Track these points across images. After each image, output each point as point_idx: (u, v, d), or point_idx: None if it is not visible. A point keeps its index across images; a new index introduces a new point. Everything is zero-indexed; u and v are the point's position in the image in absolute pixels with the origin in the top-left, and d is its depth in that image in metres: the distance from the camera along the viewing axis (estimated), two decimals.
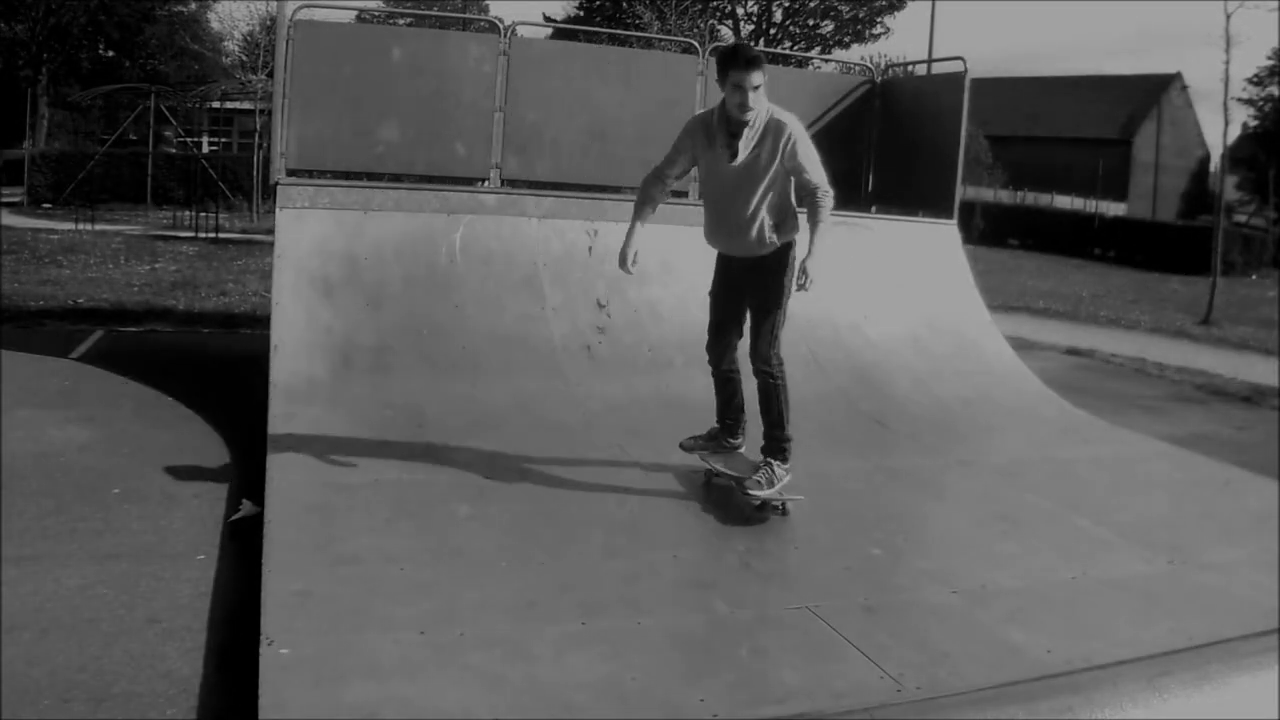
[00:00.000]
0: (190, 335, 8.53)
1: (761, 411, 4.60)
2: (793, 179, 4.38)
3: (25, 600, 3.49)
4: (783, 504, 4.55)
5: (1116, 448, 6.32)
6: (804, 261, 4.20)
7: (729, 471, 4.70)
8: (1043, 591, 3.99)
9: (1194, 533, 4.78)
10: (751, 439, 4.80)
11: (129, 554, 3.98)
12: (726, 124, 4.35)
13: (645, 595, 3.74)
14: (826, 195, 4.29)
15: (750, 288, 4.57)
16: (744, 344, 4.69)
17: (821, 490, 5.05)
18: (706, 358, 4.81)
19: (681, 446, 4.87)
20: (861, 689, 3.11)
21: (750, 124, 4.28)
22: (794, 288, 4.32)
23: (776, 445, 4.57)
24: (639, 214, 4.70)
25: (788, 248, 4.52)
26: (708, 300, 4.81)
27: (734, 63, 4.21)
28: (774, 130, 4.30)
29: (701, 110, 4.55)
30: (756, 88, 4.20)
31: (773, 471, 4.52)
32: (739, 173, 4.37)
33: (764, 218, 4.43)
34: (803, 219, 4.48)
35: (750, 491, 4.46)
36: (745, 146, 4.31)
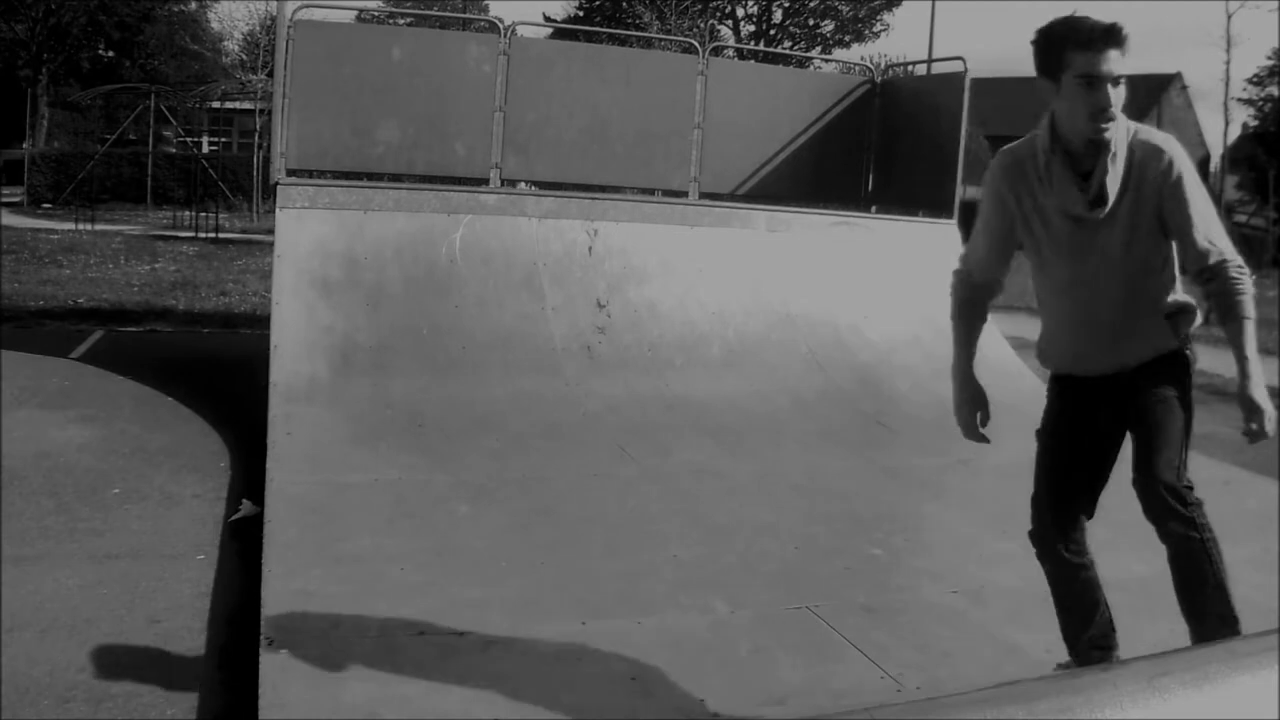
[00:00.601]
0: (190, 335, 8.54)
1: (1183, 592, 2.87)
2: (1174, 239, 2.69)
3: (25, 600, 3.49)
4: None
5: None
6: (1243, 391, 2.58)
7: None
8: (1043, 591, 3.97)
9: None
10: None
11: (129, 554, 3.98)
12: (1066, 156, 2.69)
13: (645, 595, 3.74)
14: (1242, 271, 2.62)
15: (1132, 413, 2.92)
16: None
17: (821, 490, 5.05)
18: (1033, 545, 3.07)
19: None
20: (861, 689, 3.11)
21: (1110, 148, 2.64)
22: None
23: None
24: (966, 340, 3.22)
25: (1187, 342, 2.82)
26: (1038, 437, 3.14)
27: (1078, 39, 2.57)
28: (1146, 157, 2.69)
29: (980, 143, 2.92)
30: (1119, 79, 2.63)
31: None
32: (1102, 236, 2.68)
33: (1148, 305, 2.75)
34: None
35: None
36: (1111, 185, 2.65)
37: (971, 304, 3.10)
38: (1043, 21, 2.64)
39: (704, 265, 6.95)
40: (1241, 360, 2.56)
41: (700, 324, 6.68)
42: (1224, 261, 2.60)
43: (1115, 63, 2.60)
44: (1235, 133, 39.78)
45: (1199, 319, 2.72)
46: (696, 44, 8.42)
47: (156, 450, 5.26)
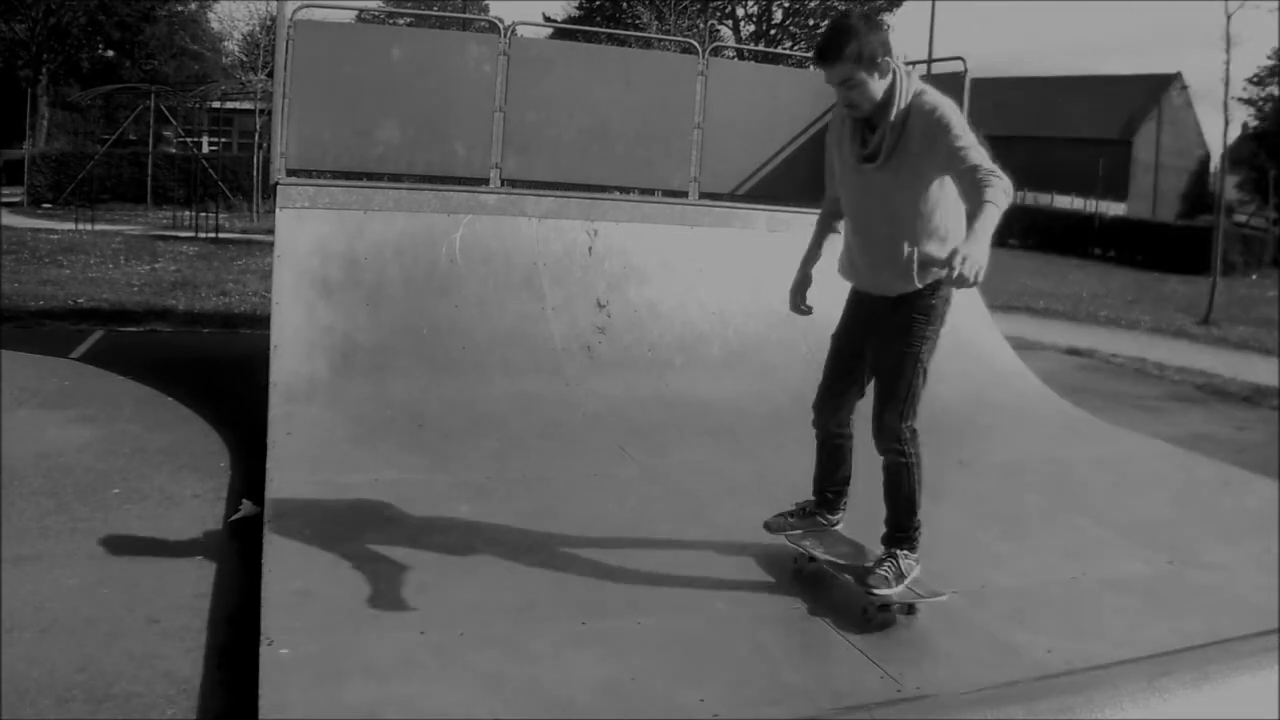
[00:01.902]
0: (190, 335, 8.54)
1: (886, 495, 3.67)
2: (950, 168, 3.29)
3: (25, 600, 3.49)
4: (913, 604, 3.58)
5: (1116, 448, 6.32)
6: (960, 245, 3.02)
7: (830, 558, 3.82)
8: (1043, 591, 3.99)
9: (1194, 533, 4.78)
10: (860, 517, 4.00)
11: (129, 554, 3.98)
12: (856, 121, 3.48)
13: (645, 595, 3.74)
14: (994, 174, 3.16)
15: (881, 337, 3.59)
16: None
17: None
18: (813, 414, 3.89)
19: (766, 527, 3.99)
20: (861, 689, 3.11)
21: (886, 116, 3.35)
22: (937, 339, 3.50)
23: (904, 534, 3.65)
24: (814, 241, 3.93)
25: (934, 289, 3.47)
26: (831, 339, 3.88)
27: (814, 58, 3.45)
28: (915, 115, 3.34)
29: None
30: (844, 82, 3.32)
31: (898, 564, 3.57)
32: (878, 181, 3.42)
33: (909, 244, 3.42)
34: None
35: (875, 590, 3.47)
36: (882, 143, 3.36)
37: (826, 216, 3.89)
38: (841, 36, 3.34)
39: (704, 265, 6.95)
40: (971, 228, 3.05)
41: (700, 324, 6.68)
42: (978, 167, 3.17)
43: (835, 74, 3.30)
44: (1235, 133, 39.74)
45: (947, 271, 3.02)
46: (696, 44, 8.41)
47: (156, 450, 5.26)
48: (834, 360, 3.82)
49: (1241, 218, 39.08)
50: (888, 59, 3.31)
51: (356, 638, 3.21)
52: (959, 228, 3.32)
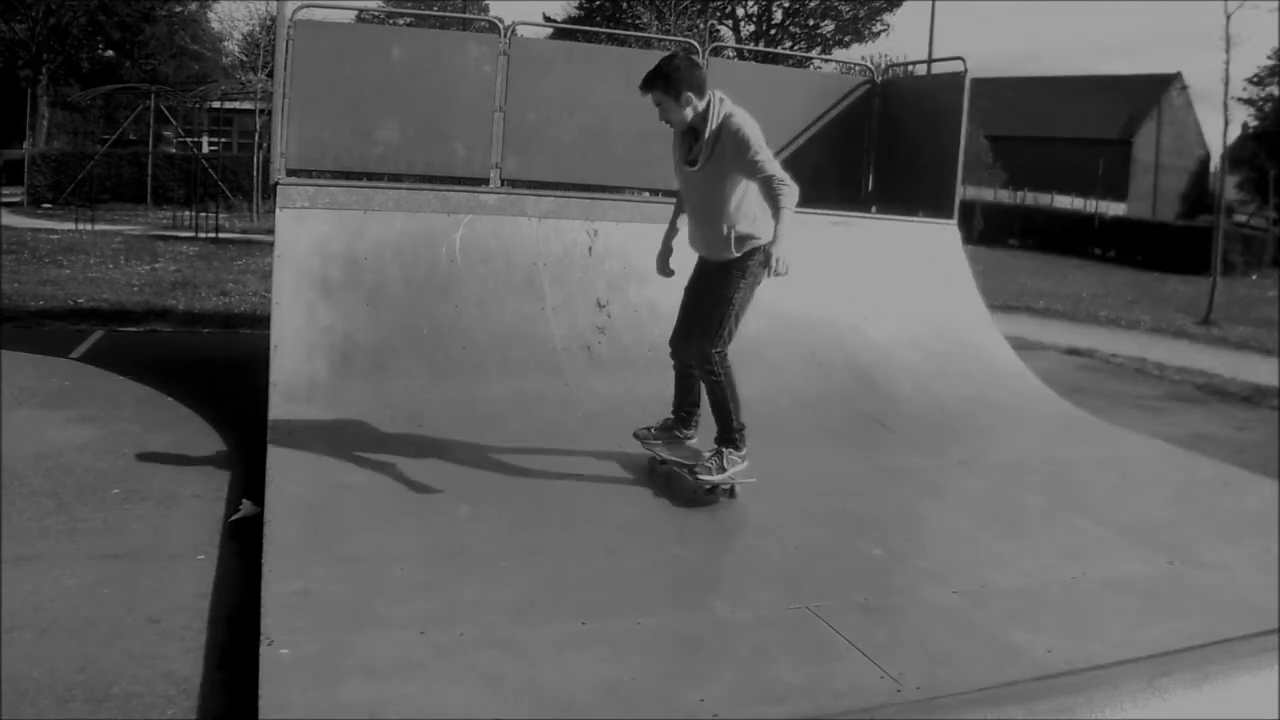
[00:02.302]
0: (190, 335, 8.53)
1: (712, 408, 4.70)
2: (749, 176, 4.38)
3: (25, 600, 3.49)
4: (732, 487, 4.68)
5: (1116, 448, 6.32)
6: (770, 248, 4.23)
7: (675, 459, 4.83)
8: (1043, 591, 3.99)
9: (1194, 533, 4.78)
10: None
11: (129, 554, 3.98)
12: (688, 130, 4.52)
13: (645, 595, 3.74)
14: (784, 184, 4.25)
15: (710, 289, 4.63)
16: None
17: (821, 490, 5.05)
18: (670, 349, 4.96)
19: (635, 435, 4.97)
20: (861, 689, 3.11)
21: (707, 129, 4.39)
22: (750, 291, 4.53)
23: (728, 436, 4.67)
24: (671, 221, 4.91)
25: (749, 255, 4.53)
26: (684, 292, 4.93)
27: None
28: (723, 130, 4.37)
29: None
30: (657, 105, 4.42)
31: (723, 458, 4.62)
32: (698, 180, 4.52)
33: (727, 225, 4.51)
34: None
35: (700, 476, 4.60)
36: (700, 152, 4.44)
37: (679, 201, 4.85)
38: (671, 65, 4.45)
39: None
40: (776, 232, 4.21)
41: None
42: (772, 177, 4.26)
43: (654, 98, 4.40)
44: (1235, 133, 39.76)
45: (761, 242, 4.44)
46: (696, 44, 8.41)
47: (156, 450, 5.26)
48: (684, 309, 4.82)
49: (1241, 218, 39.08)
50: (690, 94, 4.34)
51: (356, 638, 3.21)
52: (762, 211, 4.40)
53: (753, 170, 4.30)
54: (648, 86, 4.37)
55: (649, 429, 4.98)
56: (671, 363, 4.94)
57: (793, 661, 3.27)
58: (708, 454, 4.69)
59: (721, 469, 4.61)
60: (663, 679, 3.11)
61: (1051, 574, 4.16)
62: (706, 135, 4.37)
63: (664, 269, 4.88)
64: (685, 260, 4.85)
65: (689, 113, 4.39)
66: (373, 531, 4.04)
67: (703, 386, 4.78)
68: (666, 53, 4.73)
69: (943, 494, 5.39)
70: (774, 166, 4.28)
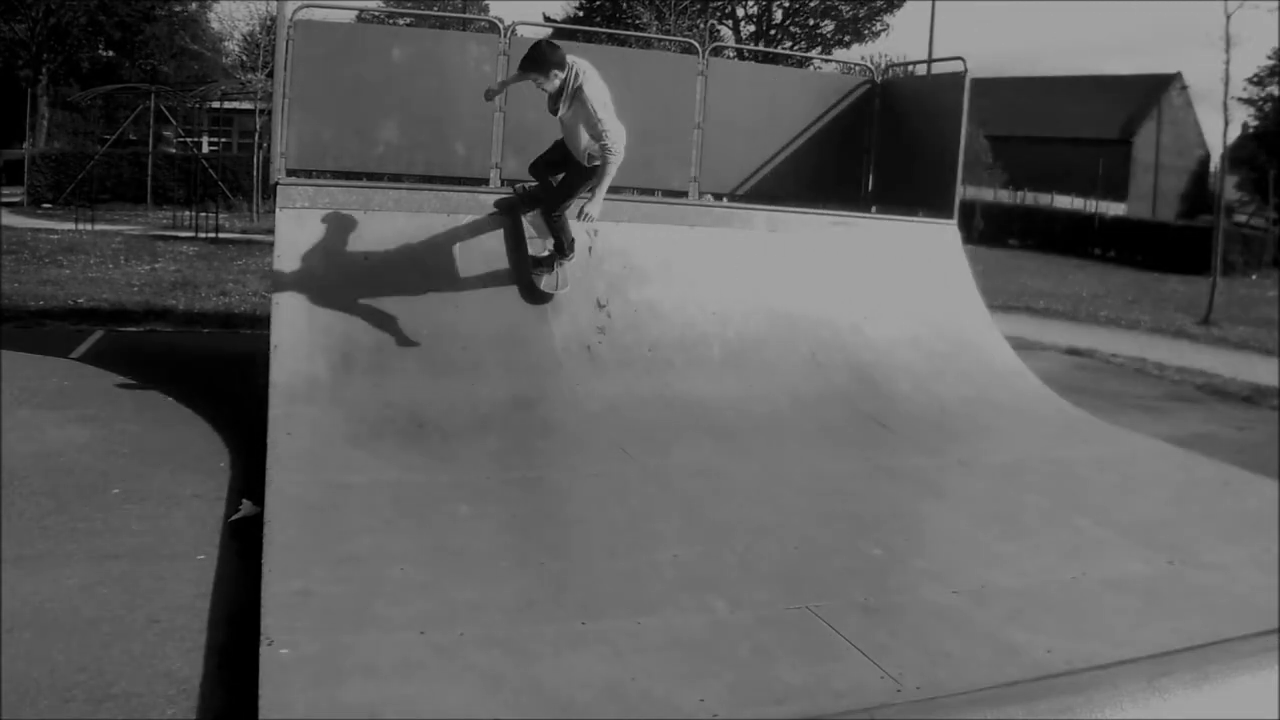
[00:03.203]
0: (190, 335, 8.53)
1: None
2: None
3: (25, 600, 3.49)
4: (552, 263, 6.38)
5: (1116, 448, 6.32)
6: (585, 203, 5.72)
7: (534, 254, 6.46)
8: (1043, 591, 3.99)
9: (1194, 533, 4.78)
10: None
11: (129, 554, 3.98)
12: (557, 92, 5.77)
13: (645, 595, 3.74)
14: (607, 149, 5.58)
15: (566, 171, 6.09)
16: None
17: (821, 490, 5.05)
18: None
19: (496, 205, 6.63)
20: (861, 689, 3.11)
21: (565, 91, 5.65)
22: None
23: (559, 249, 6.36)
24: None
25: (594, 169, 5.79)
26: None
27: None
28: (576, 92, 5.59)
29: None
30: (534, 81, 5.65)
31: (554, 254, 6.37)
32: (563, 122, 5.82)
33: (580, 151, 5.84)
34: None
35: (536, 272, 6.42)
36: (560, 106, 5.72)
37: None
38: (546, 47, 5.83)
39: (704, 265, 6.95)
40: (595, 189, 5.72)
41: (700, 324, 6.68)
42: (603, 142, 5.57)
43: (528, 76, 5.69)
44: (1235, 133, 39.76)
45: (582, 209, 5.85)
46: (696, 44, 8.41)
47: (156, 450, 5.26)
48: (544, 163, 6.21)
49: (1241, 218, 39.07)
50: (556, 71, 5.54)
51: (356, 638, 3.21)
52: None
53: (590, 130, 5.61)
54: (524, 69, 5.68)
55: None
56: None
57: (793, 661, 3.27)
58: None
59: (550, 261, 6.38)
60: (663, 679, 3.11)
61: (1051, 574, 4.16)
62: (563, 98, 5.63)
63: (490, 91, 6.25)
64: None
65: (556, 83, 5.60)
66: (373, 531, 4.04)
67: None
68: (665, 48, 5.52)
69: (943, 494, 5.39)
70: (607, 130, 5.57)
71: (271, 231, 6.51)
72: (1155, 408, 8.40)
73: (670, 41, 13.06)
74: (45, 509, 4.35)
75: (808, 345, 6.79)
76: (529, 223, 6.53)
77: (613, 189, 7.94)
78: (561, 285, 6.38)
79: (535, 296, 6.37)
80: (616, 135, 5.57)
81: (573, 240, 6.27)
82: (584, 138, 5.74)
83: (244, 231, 17.64)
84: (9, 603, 3.44)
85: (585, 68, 5.60)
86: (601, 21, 29.90)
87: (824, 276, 7.18)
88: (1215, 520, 5.05)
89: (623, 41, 18.09)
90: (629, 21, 26.79)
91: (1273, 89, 43.23)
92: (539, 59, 5.60)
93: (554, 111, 5.79)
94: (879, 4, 34.40)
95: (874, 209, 8.42)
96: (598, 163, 5.74)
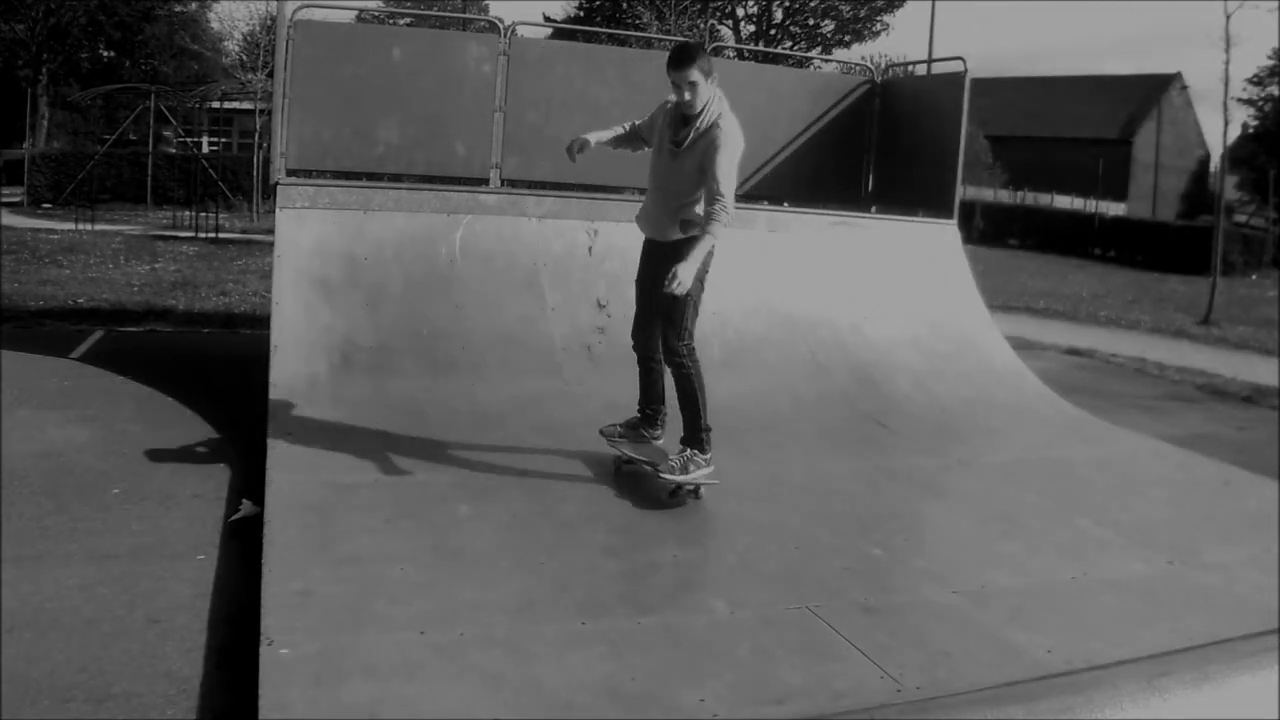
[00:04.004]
0: (190, 335, 8.53)
1: (680, 402, 4.69)
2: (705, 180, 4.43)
3: (25, 600, 3.49)
4: (697, 487, 4.62)
5: (1116, 448, 6.32)
6: (676, 267, 4.25)
7: (640, 458, 4.79)
8: (1043, 591, 3.99)
9: (1194, 533, 4.78)
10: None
11: (129, 554, 3.98)
12: (679, 113, 4.58)
13: (645, 595, 3.74)
14: (724, 210, 4.32)
15: (660, 274, 4.44)
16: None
17: (821, 490, 5.05)
18: (634, 349, 4.94)
19: (601, 433, 4.97)
20: (861, 689, 3.11)
21: (696, 118, 4.47)
22: (702, 280, 4.53)
23: (694, 435, 4.64)
24: (614, 133, 4.88)
25: (692, 240, 4.47)
26: (635, 285, 4.93)
27: (668, 62, 4.49)
28: (708, 132, 4.46)
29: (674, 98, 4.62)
30: (690, 85, 4.40)
31: (688, 458, 4.58)
32: (676, 161, 4.57)
33: (681, 207, 4.58)
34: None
35: (663, 475, 4.55)
36: (689, 137, 4.51)
37: (625, 136, 4.88)
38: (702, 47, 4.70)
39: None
40: (690, 251, 4.31)
41: (700, 324, 6.66)
42: (718, 200, 4.33)
43: (687, 76, 4.38)
44: (1235, 133, 39.77)
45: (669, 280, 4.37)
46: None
47: (156, 450, 5.26)
48: (640, 299, 4.85)
49: (1241, 218, 39.07)
50: (703, 78, 4.39)
51: (356, 638, 3.21)
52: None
53: (707, 178, 4.39)
54: (687, 63, 4.37)
55: (615, 426, 4.97)
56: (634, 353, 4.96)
57: (793, 661, 3.27)
58: (673, 455, 4.65)
59: (685, 470, 4.56)
60: (663, 679, 3.11)
61: (1051, 574, 4.16)
62: (699, 124, 4.45)
63: (577, 147, 4.73)
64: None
65: (704, 98, 4.45)
66: (373, 531, 4.04)
67: (670, 381, 4.76)
68: (682, 40, 4.79)
69: (943, 494, 5.39)
70: (728, 186, 4.37)
71: (271, 231, 6.52)
72: (1155, 408, 8.40)
73: (670, 41, 13.06)
74: (45, 509, 4.35)
75: (808, 345, 6.79)
76: (635, 452, 4.89)
77: (613, 189, 7.99)
78: (696, 470, 4.60)
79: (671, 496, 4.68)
80: (731, 201, 4.38)
81: (709, 427, 4.66)
82: (685, 192, 4.52)
83: (244, 231, 17.64)
84: (9, 603, 3.44)
85: (727, 108, 4.50)
86: (601, 21, 29.91)
87: (824, 276, 7.18)
88: (1215, 520, 5.05)
89: (623, 41, 18.08)
90: (629, 21, 26.80)
91: (1273, 89, 43.23)
92: (692, 54, 4.45)
93: (674, 140, 4.55)
94: (879, 4, 34.42)
95: (874, 209, 8.42)
96: (693, 233, 4.44)
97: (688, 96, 4.41)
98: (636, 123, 4.87)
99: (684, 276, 4.19)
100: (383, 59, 6.88)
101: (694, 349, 4.65)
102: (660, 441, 4.89)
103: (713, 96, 4.45)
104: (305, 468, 4.62)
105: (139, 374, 6.68)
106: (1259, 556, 4.46)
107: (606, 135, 4.82)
